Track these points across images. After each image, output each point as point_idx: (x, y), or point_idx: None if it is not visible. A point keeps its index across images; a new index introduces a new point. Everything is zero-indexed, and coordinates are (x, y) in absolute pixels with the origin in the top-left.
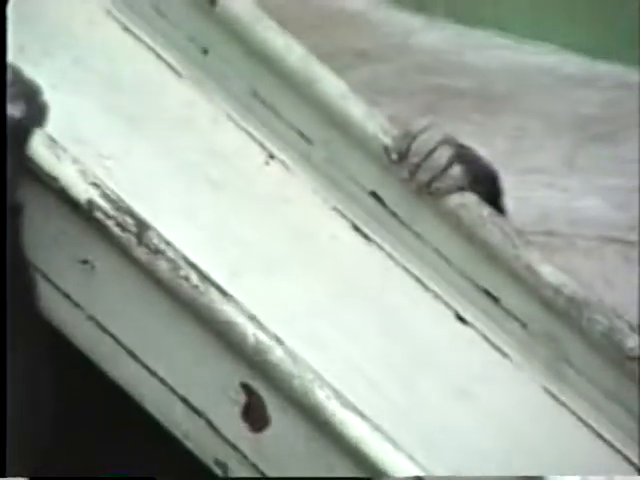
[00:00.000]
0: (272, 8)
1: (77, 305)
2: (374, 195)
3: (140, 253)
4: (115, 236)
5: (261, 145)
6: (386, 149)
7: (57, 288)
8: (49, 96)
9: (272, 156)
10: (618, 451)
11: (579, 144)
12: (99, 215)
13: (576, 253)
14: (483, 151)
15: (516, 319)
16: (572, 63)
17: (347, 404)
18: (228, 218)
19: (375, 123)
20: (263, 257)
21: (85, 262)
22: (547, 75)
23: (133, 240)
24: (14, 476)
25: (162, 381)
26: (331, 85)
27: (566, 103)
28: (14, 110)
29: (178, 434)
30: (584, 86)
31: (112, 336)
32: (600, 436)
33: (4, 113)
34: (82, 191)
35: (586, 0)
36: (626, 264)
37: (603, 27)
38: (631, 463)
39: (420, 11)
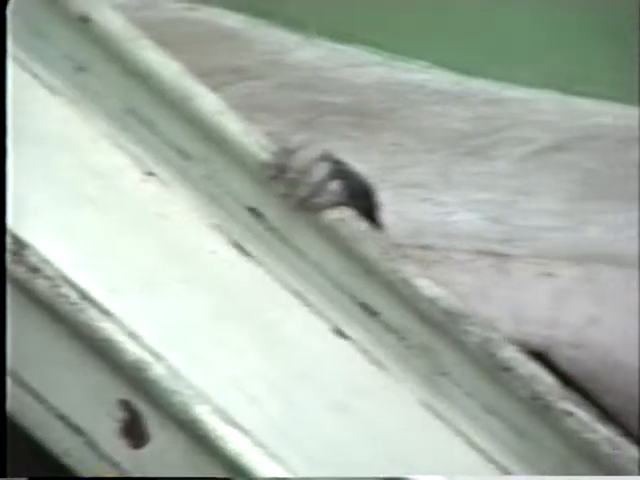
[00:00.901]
0: (148, 26)
1: None
2: (253, 211)
3: (18, 272)
4: None
5: (139, 162)
6: (264, 165)
7: None
8: None
9: (150, 173)
10: (496, 462)
11: (453, 159)
12: None
13: (451, 266)
14: (360, 166)
15: (394, 332)
16: (444, 79)
17: (227, 419)
18: (107, 235)
19: (253, 139)
20: (142, 274)
21: None
22: (420, 91)
23: (11, 258)
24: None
25: (40, 399)
26: (208, 102)
27: (439, 119)
28: None
29: (58, 451)
30: (456, 102)
31: None
32: (478, 448)
33: (4, 113)
34: None
35: (456, 17)
36: (500, 277)
37: (473, 44)
38: (509, 475)
39: (295, 29)
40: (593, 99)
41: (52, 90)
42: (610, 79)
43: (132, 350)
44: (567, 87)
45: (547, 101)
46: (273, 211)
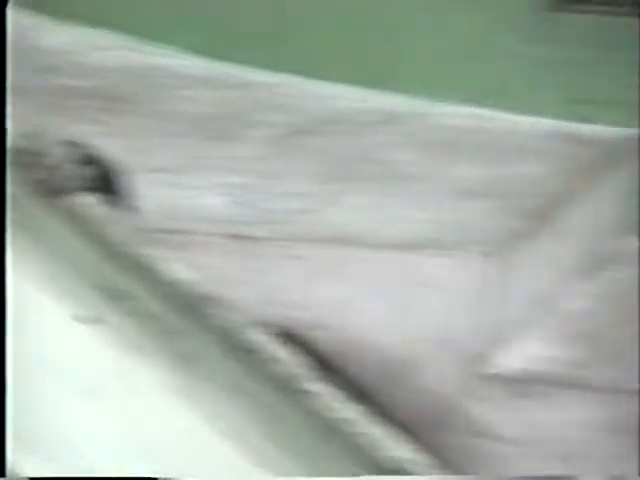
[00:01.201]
0: None
1: None
2: None
3: None
4: None
5: None
6: (9, 149)
7: None
8: None
9: None
10: (248, 446)
11: (201, 143)
12: None
13: (201, 250)
14: (107, 151)
15: (142, 316)
16: (194, 64)
17: None
18: None
19: None
20: None
21: None
22: (169, 76)
23: None
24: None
25: None
26: None
27: (190, 103)
28: None
29: None
30: (206, 87)
31: None
32: (229, 432)
33: (4, 114)
34: None
35: (204, 3)
36: (250, 260)
37: (221, 29)
38: (263, 460)
39: (41, 12)
40: (333, 83)
41: None
42: (348, 62)
43: None
44: (308, 72)
45: (290, 86)
46: (17, 196)
